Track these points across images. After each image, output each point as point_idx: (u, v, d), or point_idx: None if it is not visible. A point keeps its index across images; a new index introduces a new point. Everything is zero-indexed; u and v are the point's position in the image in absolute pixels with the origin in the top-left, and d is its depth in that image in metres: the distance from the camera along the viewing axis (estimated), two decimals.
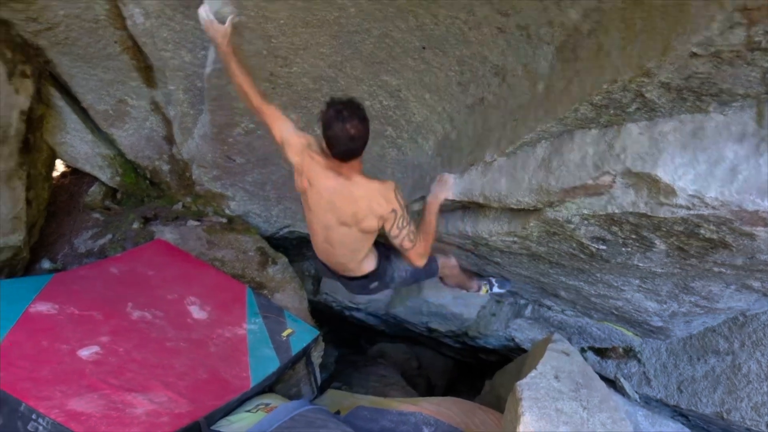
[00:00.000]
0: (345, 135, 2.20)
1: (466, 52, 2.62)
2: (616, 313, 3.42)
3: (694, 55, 1.58)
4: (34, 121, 3.70)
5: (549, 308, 4.06)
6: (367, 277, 2.86)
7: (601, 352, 4.04)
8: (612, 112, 1.97)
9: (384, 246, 2.87)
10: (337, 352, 6.45)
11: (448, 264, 3.30)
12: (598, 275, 2.91)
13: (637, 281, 2.85)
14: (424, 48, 2.70)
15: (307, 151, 2.44)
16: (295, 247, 5.22)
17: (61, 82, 3.82)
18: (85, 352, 2.59)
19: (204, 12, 2.49)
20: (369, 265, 2.81)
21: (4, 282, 2.96)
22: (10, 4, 2.96)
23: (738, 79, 1.63)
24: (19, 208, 3.51)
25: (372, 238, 2.65)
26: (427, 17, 2.53)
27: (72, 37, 3.33)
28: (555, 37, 2.26)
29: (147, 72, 3.65)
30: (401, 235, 2.50)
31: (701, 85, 1.70)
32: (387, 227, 2.48)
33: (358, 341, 7.78)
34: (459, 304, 4.58)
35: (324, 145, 2.32)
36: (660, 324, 3.33)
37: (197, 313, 3.40)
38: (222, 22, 2.51)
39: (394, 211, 2.43)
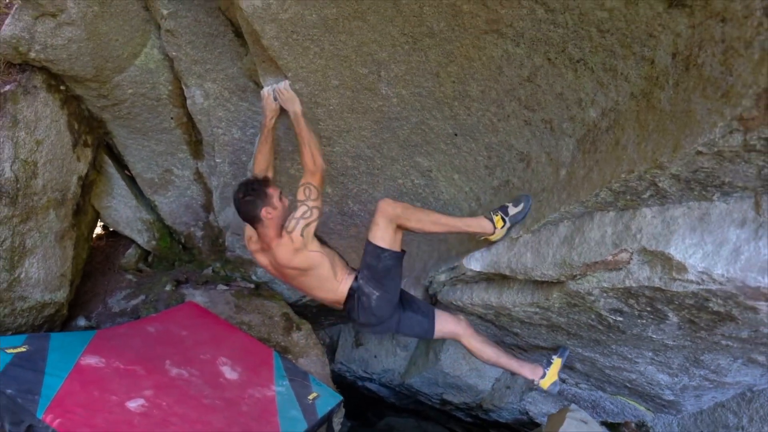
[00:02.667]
0: (234, 201, 2.79)
1: (494, 139, 2.95)
2: (629, 386, 3.57)
3: (699, 153, 1.87)
4: (86, 186, 4.00)
5: (563, 381, 4.19)
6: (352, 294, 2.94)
7: (614, 427, 4.13)
8: (628, 197, 2.25)
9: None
10: (349, 423, 6.47)
11: (459, 322, 3.11)
12: (614, 347, 3.10)
13: (650, 354, 3.04)
14: (456, 135, 3.03)
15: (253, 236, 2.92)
16: (314, 315, 5.40)
17: (114, 151, 4.18)
18: (132, 404, 2.75)
19: (269, 88, 2.96)
20: (344, 286, 2.95)
21: (55, 334, 3.15)
22: (86, 83, 3.33)
23: (737, 173, 1.91)
24: (66, 266, 3.76)
25: (322, 259, 2.85)
26: (461, 109, 2.87)
27: (134, 112, 3.70)
28: (576, 130, 2.59)
29: (196, 145, 4.01)
30: (308, 198, 2.77)
31: (706, 177, 1.98)
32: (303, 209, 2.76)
33: (365, 414, 7.75)
34: (474, 375, 4.71)
35: None
36: (672, 398, 3.47)
37: (229, 373, 3.55)
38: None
39: (298, 224, 2.72)
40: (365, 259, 2.90)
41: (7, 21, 2.84)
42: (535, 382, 3.14)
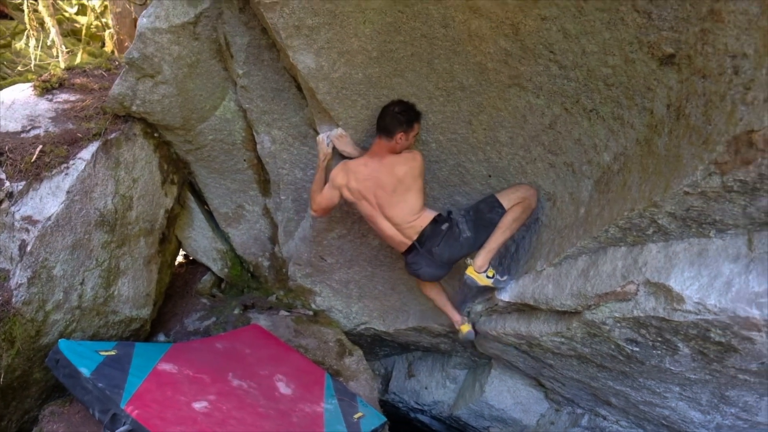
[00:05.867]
0: (387, 107, 3.07)
1: (524, 180, 3.24)
2: (665, 423, 3.62)
3: (687, 193, 2.10)
4: (171, 218, 4.60)
5: (604, 418, 4.25)
6: (436, 222, 3.25)
7: None
8: (635, 233, 2.48)
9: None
10: None
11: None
12: (641, 380, 3.21)
13: (677, 388, 3.13)
14: (489, 176, 3.35)
15: (344, 177, 3.27)
16: (368, 344, 5.71)
17: (195, 188, 4.77)
18: (197, 405, 3.17)
19: (323, 135, 3.39)
20: (429, 214, 3.27)
21: (139, 344, 3.66)
22: (175, 130, 3.93)
23: (725, 212, 2.11)
24: (152, 287, 4.31)
25: (423, 187, 3.23)
26: (493, 153, 3.20)
27: (213, 155, 4.27)
28: (593, 172, 2.84)
29: (264, 184, 4.53)
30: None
31: (699, 215, 2.19)
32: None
33: None
34: (518, 410, 4.82)
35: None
36: None
37: (284, 389, 3.92)
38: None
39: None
40: (478, 205, 3.31)
41: (116, 82, 3.48)
42: (456, 326, 3.88)
